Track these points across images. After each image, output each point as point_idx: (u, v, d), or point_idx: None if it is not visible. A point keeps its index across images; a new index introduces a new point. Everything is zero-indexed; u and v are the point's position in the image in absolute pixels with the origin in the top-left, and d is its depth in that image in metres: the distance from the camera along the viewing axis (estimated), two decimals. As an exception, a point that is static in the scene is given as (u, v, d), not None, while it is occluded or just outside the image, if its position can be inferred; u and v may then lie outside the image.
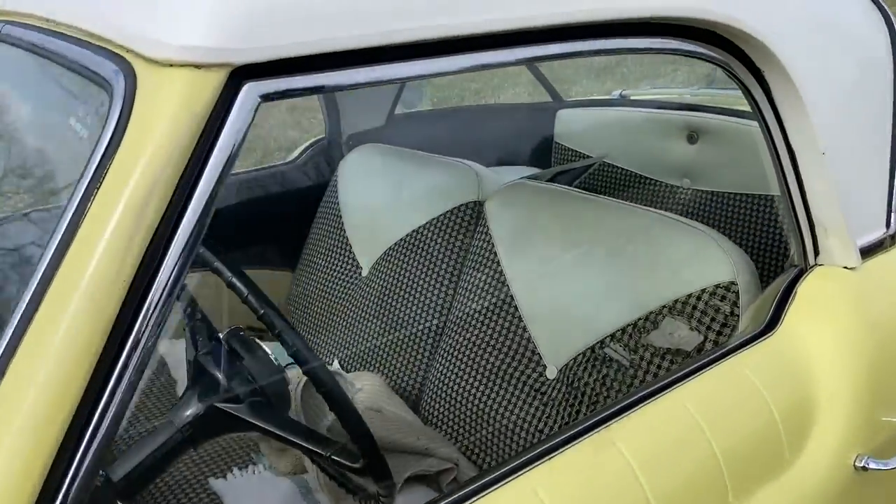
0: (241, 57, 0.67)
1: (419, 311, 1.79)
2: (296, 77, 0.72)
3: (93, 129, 0.70)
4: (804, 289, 1.21)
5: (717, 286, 1.33)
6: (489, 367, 1.60)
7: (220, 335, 1.11)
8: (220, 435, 1.09)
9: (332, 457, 1.01)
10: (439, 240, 1.79)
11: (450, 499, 0.87)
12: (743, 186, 2.09)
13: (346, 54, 0.73)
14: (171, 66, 0.67)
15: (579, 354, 1.48)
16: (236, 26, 0.67)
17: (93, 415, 0.67)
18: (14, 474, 0.62)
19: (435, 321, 1.76)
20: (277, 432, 1.04)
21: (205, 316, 1.21)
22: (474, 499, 0.87)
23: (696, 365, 1.07)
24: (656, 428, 0.98)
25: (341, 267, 2.02)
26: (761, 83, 1.14)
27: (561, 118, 2.47)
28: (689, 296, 1.36)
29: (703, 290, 1.35)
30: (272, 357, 1.06)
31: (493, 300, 1.63)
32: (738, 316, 1.30)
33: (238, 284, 1.07)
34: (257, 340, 1.14)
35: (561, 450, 0.95)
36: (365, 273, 1.96)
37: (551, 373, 1.52)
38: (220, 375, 1.07)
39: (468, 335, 1.65)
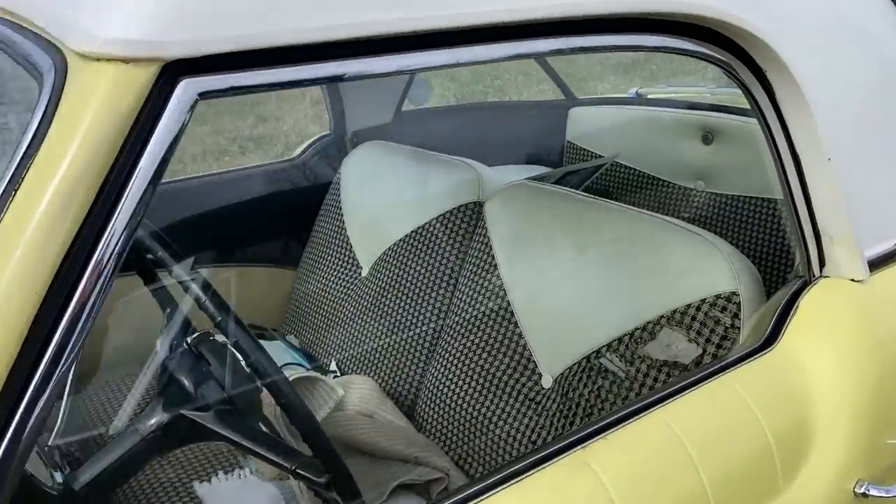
0: (174, 51, 0.63)
1: (416, 314, 1.74)
2: (241, 73, 0.68)
3: (23, 124, 0.66)
4: (807, 302, 1.14)
5: (718, 296, 1.27)
6: (484, 373, 1.55)
7: (188, 340, 1.07)
8: (186, 444, 1.05)
9: (297, 470, 0.96)
10: (438, 241, 1.75)
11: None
12: (758, 190, 2.01)
13: (296, 49, 0.68)
14: (98, 60, 0.62)
15: (575, 364, 1.43)
16: (168, 18, 0.62)
17: (11, 418, 0.64)
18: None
19: (432, 325, 1.71)
20: (242, 442, 1.00)
21: (185, 318, 1.18)
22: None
23: (684, 382, 1.01)
24: (637, 450, 0.92)
25: (342, 266, 1.98)
26: (763, 84, 1.07)
27: (573, 116, 2.40)
28: (689, 306, 1.29)
29: (703, 301, 1.28)
30: (243, 363, 1.02)
31: (490, 305, 1.58)
32: (739, 328, 1.24)
33: (196, 289, 1.03)
34: (230, 346, 1.10)
35: (533, 470, 0.90)
36: (365, 273, 1.92)
37: (547, 382, 1.47)
38: (186, 382, 1.04)
39: (464, 340, 1.60)
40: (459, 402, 1.58)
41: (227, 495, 1.48)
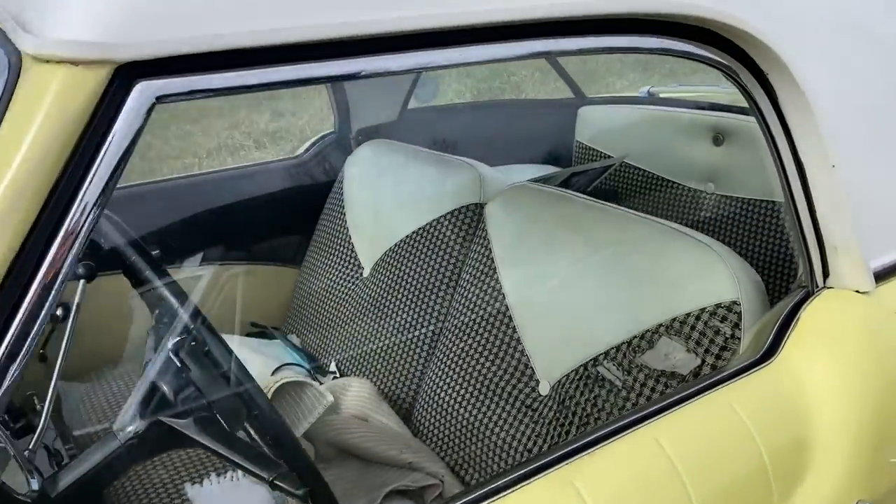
0: (126, 53, 0.60)
1: (416, 316, 1.72)
2: (203, 76, 0.65)
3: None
4: (809, 314, 1.09)
5: (719, 306, 1.23)
6: (482, 379, 1.52)
7: (170, 345, 1.04)
8: (164, 451, 1.03)
9: (274, 481, 0.94)
10: (438, 243, 1.72)
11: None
12: (770, 193, 1.95)
13: (261, 51, 0.65)
14: (48, 61, 0.60)
15: (572, 371, 1.39)
16: (120, 19, 0.59)
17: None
18: None
19: (431, 327, 1.69)
20: (220, 451, 0.97)
21: (171, 321, 1.15)
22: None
23: (675, 397, 0.97)
24: (624, 469, 0.89)
25: (344, 266, 1.95)
26: (765, 87, 1.03)
27: (583, 116, 2.36)
28: (688, 315, 1.26)
29: (703, 310, 1.24)
30: (216, 372, 0.99)
31: (489, 309, 1.55)
32: (740, 339, 1.20)
33: (167, 294, 1.00)
34: (212, 351, 1.07)
35: (517, 486, 0.87)
36: (366, 274, 1.89)
37: (544, 388, 1.44)
38: (165, 388, 1.01)
39: (462, 345, 1.57)
40: (456, 406, 1.55)
41: (219, 498, 1.46)
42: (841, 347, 1.06)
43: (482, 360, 1.53)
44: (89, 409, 1.55)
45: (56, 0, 0.60)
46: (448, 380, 1.58)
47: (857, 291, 1.11)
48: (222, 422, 1.01)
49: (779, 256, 1.96)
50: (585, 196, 1.53)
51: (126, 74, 0.62)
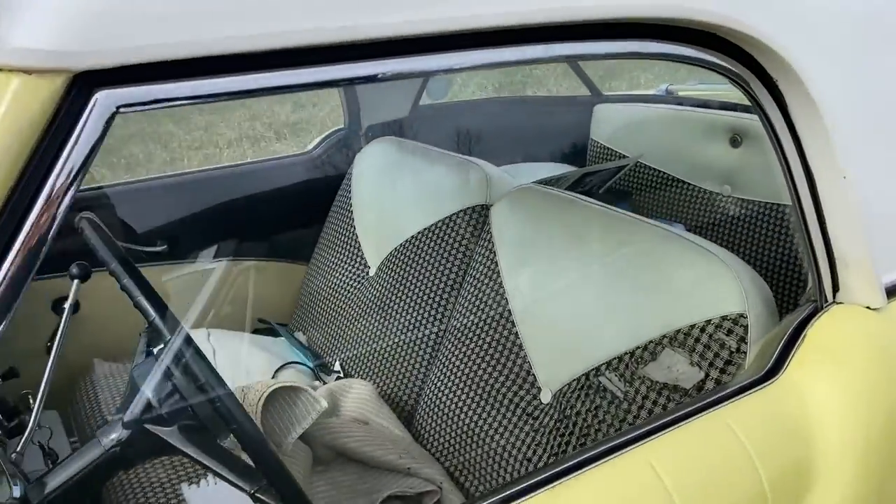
0: (83, 62, 0.58)
1: (419, 318, 1.69)
2: (164, 84, 0.62)
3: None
4: (816, 330, 1.05)
5: (724, 318, 1.19)
6: (483, 384, 1.49)
7: (154, 350, 1.02)
8: (148, 459, 1.01)
9: (256, 494, 0.91)
10: (444, 243, 1.69)
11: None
12: (787, 198, 1.90)
13: (225, 59, 0.63)
14: (2, 70, 0.57)
15: (574, 380, 1.36)
16: (75, 26, 0.57)
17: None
18: None
19: (434, 329, 1.66)
20: (202, 460, 0.95)
21: (162, 324, 1.13)
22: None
23: (671, 416, 0.93)
24: (613, 495, 0.85)
25: (350, 265, 1.93)
26: (774, 95, 0.99)
27: (598, 114, 2.31)
28: (693, 326, 1.22)
29: (709, 322, 1.20)
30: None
31: (492, 313, 1.52)
32: (746, 353, 1.16)
33: (144, 305, 0.98)
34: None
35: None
36: (372, 273, 1.87)
37: (545, 396, 1.41)
38: (150, 394, 0.99)
39: (464, 349, 1.54)
40: (457, 411, 1.53)
41: (215, 499, 1.45)
42: (848, 366, 1.02)
43: (484, 364, 1.51)
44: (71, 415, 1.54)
45: (9, 5, 0.57)
46: (450, 384, 1.56)
47: (868, 308, 1.07)
48: (209, 429, 0.99)
49: (796, 262, 1.90)
50: (592, 200, 1.49)
51: (84, 83, 0.59)
